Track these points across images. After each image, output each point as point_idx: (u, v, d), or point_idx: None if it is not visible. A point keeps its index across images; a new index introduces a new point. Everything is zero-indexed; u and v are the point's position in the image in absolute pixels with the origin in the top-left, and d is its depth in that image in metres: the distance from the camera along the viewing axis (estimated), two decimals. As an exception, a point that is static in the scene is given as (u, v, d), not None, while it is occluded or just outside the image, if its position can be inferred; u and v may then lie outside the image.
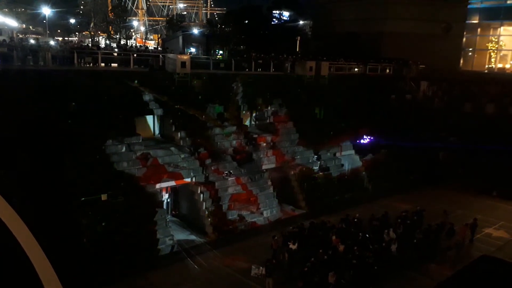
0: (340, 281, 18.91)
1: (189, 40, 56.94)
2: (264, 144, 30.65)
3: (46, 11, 51.93)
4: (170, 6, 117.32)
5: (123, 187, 22.55)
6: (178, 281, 20.34)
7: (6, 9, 54.74)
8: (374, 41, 49.42)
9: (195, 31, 62.39)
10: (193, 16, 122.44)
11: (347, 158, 35.60)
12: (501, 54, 55.35)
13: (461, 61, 55.75)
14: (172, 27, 72.92)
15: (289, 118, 33.10)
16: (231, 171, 27.69)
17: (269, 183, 29.41)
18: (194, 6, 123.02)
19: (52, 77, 23.47)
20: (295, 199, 31.17)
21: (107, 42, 73.96)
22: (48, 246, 12.93)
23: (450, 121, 42.22)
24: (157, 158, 24.88)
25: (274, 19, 64.39)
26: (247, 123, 32.40)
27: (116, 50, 38.51)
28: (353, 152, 36.05)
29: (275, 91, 32.81)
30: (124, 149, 23.98)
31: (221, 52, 49.93)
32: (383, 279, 20.46)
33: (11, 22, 53.70)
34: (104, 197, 21.56)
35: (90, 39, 74.72)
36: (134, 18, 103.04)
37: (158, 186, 24.58)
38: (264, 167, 29.99)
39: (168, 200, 27.70)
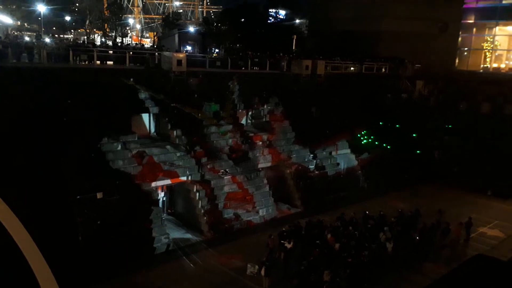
0: (335, 279, 18.94)
1: (185, 38, 56.82)
2: (260, 142, 30.62)
3: (41, 8, 51.58)
4: (166, 4, 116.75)
5: (118, 185, 22.47)
6: (174, 279, 20.29)
7: (1, 6, 54.36)
8: (370, 39, 49.44)
9: (191, 29, 62.28)
10: (189, 14, 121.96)
11: (343, 157, 35.62)
12: (496, 54, 55.40)
13: (457, 61, 55.78)
14: (168, 25, 72.65)
15: (285, 117, 33.08)
16: (227, 170, 27.64)
17: (265, 181, 29.40)
18: (190, 4, 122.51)
19: (47, 74, 23.33)
20: (291, 197, 31.19)
21: (103, 40, 73.55)
22: (44, 244, 12.87)
23: (445, 120, 42.41)
24: (153, 156, 24.80)
25: (271, 18, 64.40)
26: (243, 121, 32.34)
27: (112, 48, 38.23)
28: (349, 151, 36.06)
29: (271, 89, 32.83)
30: (119, 147, 23.90)
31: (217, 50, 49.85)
32: (378, 278, 20.54)
33: (6, 19, 53.37)
34: (99, 195, 21.48)
35: (85, 37, 74.28)
36: (130, 16, 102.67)
37: (153, 184, 24.51)
38: (260, 165, 29.97)
39: (164, 199, 27.66)
